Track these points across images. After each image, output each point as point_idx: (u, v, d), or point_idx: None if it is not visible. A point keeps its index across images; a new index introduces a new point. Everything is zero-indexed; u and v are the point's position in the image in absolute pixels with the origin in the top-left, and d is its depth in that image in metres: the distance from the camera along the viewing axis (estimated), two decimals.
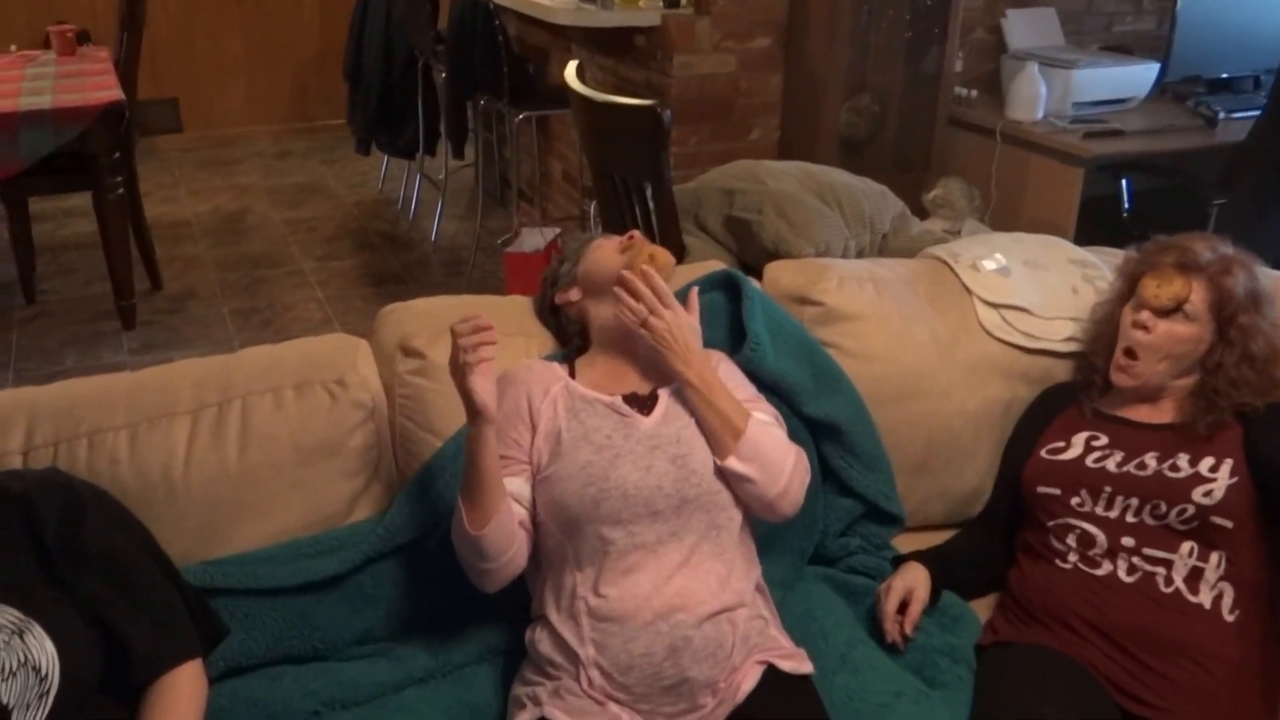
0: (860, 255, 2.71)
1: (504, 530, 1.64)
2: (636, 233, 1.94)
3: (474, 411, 1.60)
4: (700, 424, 1.73)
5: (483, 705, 1.74)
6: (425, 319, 1.98)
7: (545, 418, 1.74)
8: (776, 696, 1.64)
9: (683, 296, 1.86)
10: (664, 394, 1.78)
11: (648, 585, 1.62)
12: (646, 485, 1.65)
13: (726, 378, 1.82)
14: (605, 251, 1.89)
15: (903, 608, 1.86)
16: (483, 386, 1.58)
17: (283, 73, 7.15)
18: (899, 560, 1.98)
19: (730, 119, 4.05)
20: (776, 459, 1.72)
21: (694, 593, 1.63)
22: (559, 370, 1.83)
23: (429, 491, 1.82)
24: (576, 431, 1.71)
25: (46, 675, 1.41)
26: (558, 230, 4.11)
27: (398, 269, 4.93)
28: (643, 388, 1.80)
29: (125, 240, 4.26)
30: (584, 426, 1.71)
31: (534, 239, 4.04)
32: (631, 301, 1.75)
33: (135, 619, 1.50)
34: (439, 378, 1.89)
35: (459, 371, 1.58)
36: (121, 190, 4.16)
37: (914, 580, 1.89)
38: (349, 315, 4.42)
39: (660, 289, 1.75)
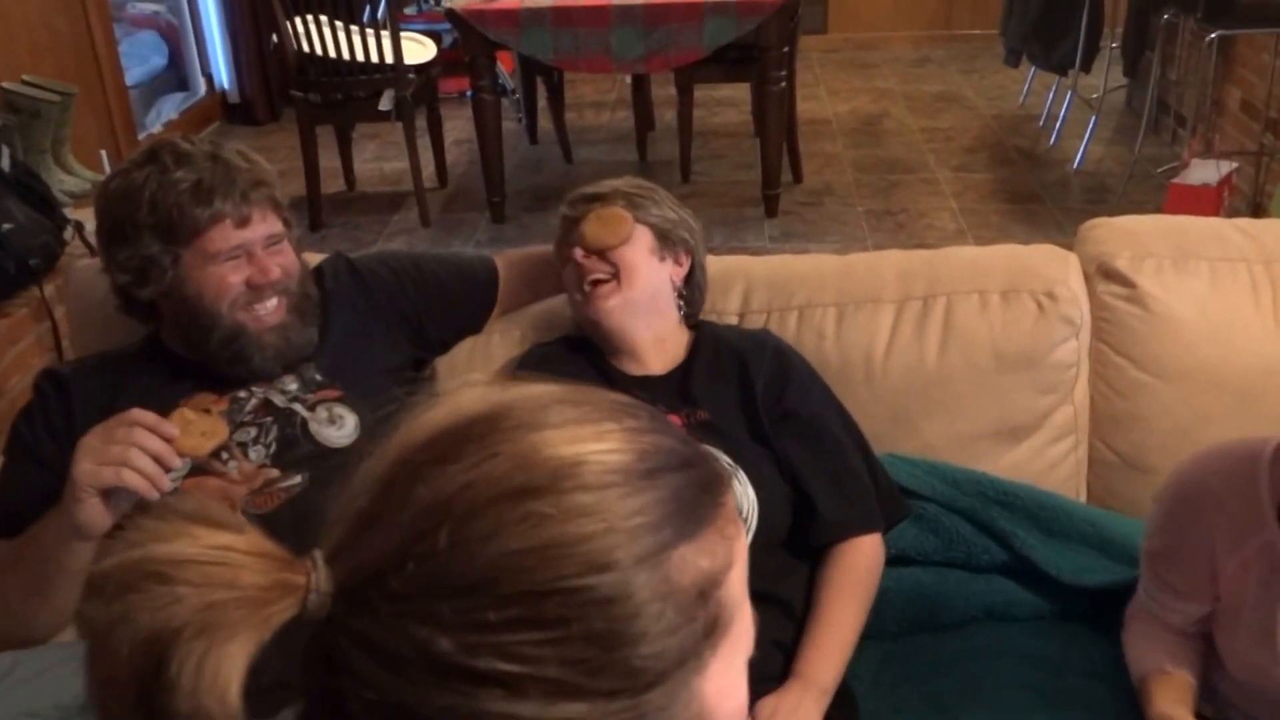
0: None
1: None
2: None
3: None
4: None
5: None
6: (1130, 238, 1.86)
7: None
8: None
9: None
10: None
11: None
12: None
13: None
14: None
15: None
16: None
17: None
18: None
19: None
20: None
21: None
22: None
23: None
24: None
25: (746, 518, 1.51)
26: (1234, 165, 3.72)
27: (1036, 188, 4.73)
28: None
29: (781, 132, 4.45)
30: None
31: (1205, 172, 3.69)
32: None
33: (827, 484, 1.57)
34: (1142, 303, 1.79)
35: None
36: (784, 83, 4.33)
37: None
38: (984, 230, 4.32)
39: None
